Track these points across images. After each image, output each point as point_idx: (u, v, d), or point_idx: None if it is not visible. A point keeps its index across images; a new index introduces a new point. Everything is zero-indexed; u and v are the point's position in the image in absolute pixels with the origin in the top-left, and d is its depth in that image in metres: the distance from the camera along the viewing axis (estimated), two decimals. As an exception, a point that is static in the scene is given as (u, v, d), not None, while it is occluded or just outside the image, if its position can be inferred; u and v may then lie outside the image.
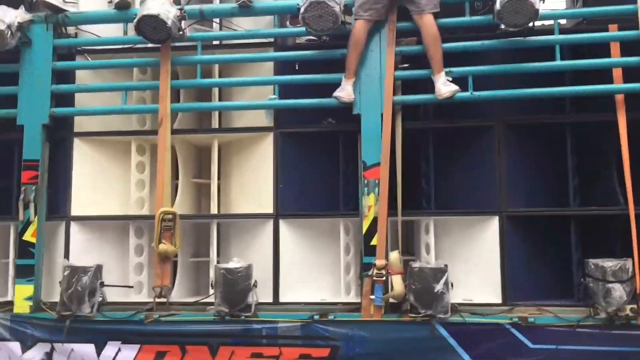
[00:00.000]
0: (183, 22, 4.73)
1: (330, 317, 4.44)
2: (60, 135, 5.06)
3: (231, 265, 4.55)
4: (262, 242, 4.88)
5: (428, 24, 4.47)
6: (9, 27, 4.72)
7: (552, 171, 4.78)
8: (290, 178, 4.88)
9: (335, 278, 4.94)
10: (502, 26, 4.50)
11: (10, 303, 4.94)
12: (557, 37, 4.51)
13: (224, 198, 5.19)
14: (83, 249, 5.03)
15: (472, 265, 4.64)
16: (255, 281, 4.56)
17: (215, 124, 5.17)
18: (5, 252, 5.32)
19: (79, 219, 5.02)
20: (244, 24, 5.08)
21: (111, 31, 5.21)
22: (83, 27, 5.16)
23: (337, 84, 4.69)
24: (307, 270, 4.87)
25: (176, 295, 4.94)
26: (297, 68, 4.88)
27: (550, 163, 4.78)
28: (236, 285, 4.52)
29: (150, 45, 4.92)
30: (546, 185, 4.75)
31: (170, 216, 4.73)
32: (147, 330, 4.61)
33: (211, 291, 4.85)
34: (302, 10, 4.43)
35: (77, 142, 5.09)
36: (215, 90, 5.12)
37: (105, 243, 5.13)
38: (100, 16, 5.02)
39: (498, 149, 4.64)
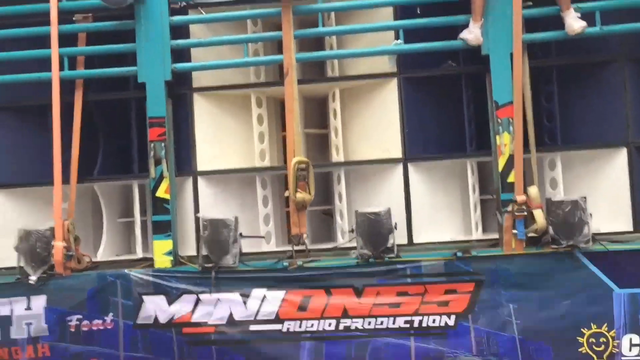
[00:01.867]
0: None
1: (474, 253, 4.62)
2: (179, 91, 5.06)
3: (374, 209, 4.67)
4: (390, 186, 4.98)
5: None
6: (130, -18, 4.67)
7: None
8: (415, 122, 4.95)
9: (460, 217, 5.10)
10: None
11: (144, 260, 5.06)
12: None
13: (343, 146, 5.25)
14: (210, 203, 5.10)
15: (599, 196, 4.77)
16: (396, 223, 4.69)
17: (332, 72, 5.19)
18: (124, 211, 5.41)
19: (205, 173, 5.08)
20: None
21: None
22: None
23: (460, 26, 4.76)
24: (436, 211, 5.00)
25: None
26: (419, 12, 4.88)
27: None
28: (379, 228, 4.65)
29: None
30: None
31: (303, 165, 4.81)
32: (291, 276, 4.75)
33: (341, 238, 5.06)
34: (435, -49, 4.44)
35: (196, 97, 5.10)
36: (333, 39, 5.14)
37: (229, 196, 5.21)
38: (216, -32, 4.96)
39: (625, 83, 4.76)
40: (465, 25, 4.73)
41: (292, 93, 4.83)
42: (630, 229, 4.73)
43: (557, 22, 4.71)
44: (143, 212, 5.34)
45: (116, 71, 5.02)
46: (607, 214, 4.77)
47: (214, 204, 5.13)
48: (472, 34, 4.66)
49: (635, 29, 4.62)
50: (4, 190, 5.18)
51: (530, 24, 4.79)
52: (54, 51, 4.94)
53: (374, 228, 4.66)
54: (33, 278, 4.82)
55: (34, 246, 4.83)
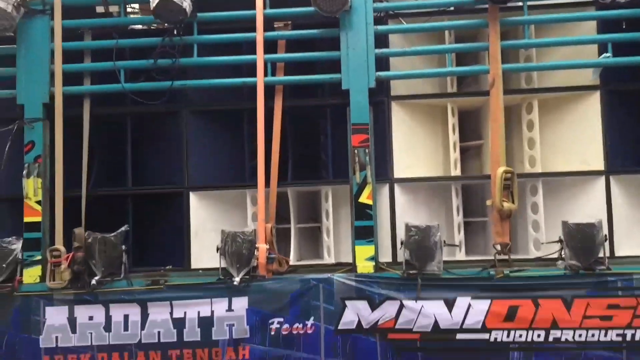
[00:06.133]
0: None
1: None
2: (377, 99, 5.12)
3: (587, 220, 4.68)
4: (588, 198, 4.98)
5: None
6: (347, -8, 4.77)
7: None
8: (616, 135, 4.96)
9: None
10: None
11: (339, 265, 5.08)
12: None
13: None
14: (402, 211, 5.13)
15: None
16: (606, 235, 4.69)
17: (527, 84, 5.22)
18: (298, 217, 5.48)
19: (402, 181, 5.12)
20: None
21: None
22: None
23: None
24: (635, 225, 4.99)
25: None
26: (624, 27, 4.93)
27: None
28: (591, 240, 4.66)
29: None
30: None
31: (509, 175, 4.84)
32: (496, 285, 4.76)
33: (534, 249, 5.05)
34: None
35: (394, 105, 5.16)
36: (531, 52, 5.18)
37: (419, 204, 5.24)
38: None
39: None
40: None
41: (497, 103, 4.87)
42: None
43: None
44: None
45: (319, 78, 5.11)
46: None
47: (405, 211, 5.16)
48: None
49: None
50: (198, 192, 5.25)
51: None
52: (260, 57, 5.04)
53: (585, 240, 4.66)
54: (237, 279, 4.86)
55: (239, 248, 4.89)
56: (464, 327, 4.71)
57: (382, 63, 5.12)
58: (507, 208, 4.78)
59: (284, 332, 4.87)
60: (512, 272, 4.77)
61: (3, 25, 4.93)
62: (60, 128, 5.07)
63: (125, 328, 4.88)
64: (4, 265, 4.91)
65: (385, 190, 5.12)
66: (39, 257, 4.96)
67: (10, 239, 4.97)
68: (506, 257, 4.84)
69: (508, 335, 4.69)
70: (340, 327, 4.82)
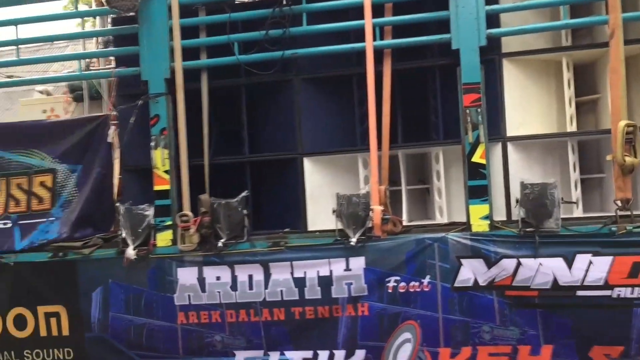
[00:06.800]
0: None
1: None
2: (488, 57, 5.06)
3: None
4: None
5: None
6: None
7: None
8: None
9: None
10: None
11: (453, 224, 5.13)
12: None
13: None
14: (516, 169, 5.09)
15: None
16: None
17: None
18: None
19: (515, 139, 5.08)
20: None
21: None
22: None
23: None
24: None
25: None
26: None
27: None
28: None
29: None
30: None
31: (630, 128, 4.69)
32: (619, 241, 4.67)
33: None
34: None
35: (505, 63, 5.10)
36: None
37: (533, 162, 5.18)
38: None
39: None
40: None
41: (618, 54, 4.69)
42: None
43: None
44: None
45: (429, 39, 5.10)
46: None
47: (518, 169, 5.12)
48: None
49: None
50: (312, 158, 5.43)
51: None
52: (368, 22, 5.09)
53: None
54: (353, 240, 5.04)
55: (355, 210, 5.05)
56: (584, 283, 4.68)
57: (492, 20, 5.03)
58: (629, 163, 4.65)
59: (401, 290, 5.02)
60: (635, 227, 4.66)
61: (126, 6, 5.27)
62: (182, 101, 5.40)
63: (250, 287, 5.21)
64: (139, 230, 5.35)
65: (497, 149, 5.10)
66: (170, 223, 5.36)
67: (143, 206, 5.38)
68: (628, 212, 4.74)
69: (632, 292, 4.61)
70: (456, 284, 4.91)
